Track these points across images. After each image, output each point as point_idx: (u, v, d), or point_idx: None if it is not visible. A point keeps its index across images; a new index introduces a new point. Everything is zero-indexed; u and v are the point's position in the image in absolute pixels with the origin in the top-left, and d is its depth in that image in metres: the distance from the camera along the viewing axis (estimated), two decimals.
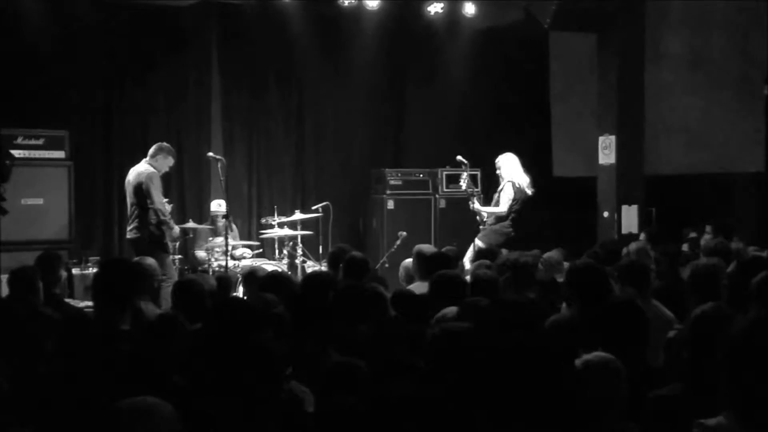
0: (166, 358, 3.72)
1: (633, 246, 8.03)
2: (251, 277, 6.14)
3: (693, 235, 10.39)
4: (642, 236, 9.93)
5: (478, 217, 9.72)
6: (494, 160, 9.90)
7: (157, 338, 4.02)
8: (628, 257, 7.34)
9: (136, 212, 8.59)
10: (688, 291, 5.09)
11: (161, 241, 8.54)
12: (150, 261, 6.01)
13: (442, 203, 11.58)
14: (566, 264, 6.70)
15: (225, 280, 6.44)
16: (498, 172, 9.75)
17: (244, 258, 10.18)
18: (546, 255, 7.14)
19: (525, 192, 9.62)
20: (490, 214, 9.61)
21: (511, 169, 9.63)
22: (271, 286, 5.23)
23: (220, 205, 10.19)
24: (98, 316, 4.67)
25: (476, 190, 10.36)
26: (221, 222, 10.07)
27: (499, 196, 9.63)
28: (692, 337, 3.44)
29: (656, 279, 6.67)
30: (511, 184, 9.50)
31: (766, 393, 2.29)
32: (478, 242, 9.31)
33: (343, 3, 11.23)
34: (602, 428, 2.99)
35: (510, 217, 9.49)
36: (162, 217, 8.49)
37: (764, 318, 2.38)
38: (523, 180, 9.64)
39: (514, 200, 9.50)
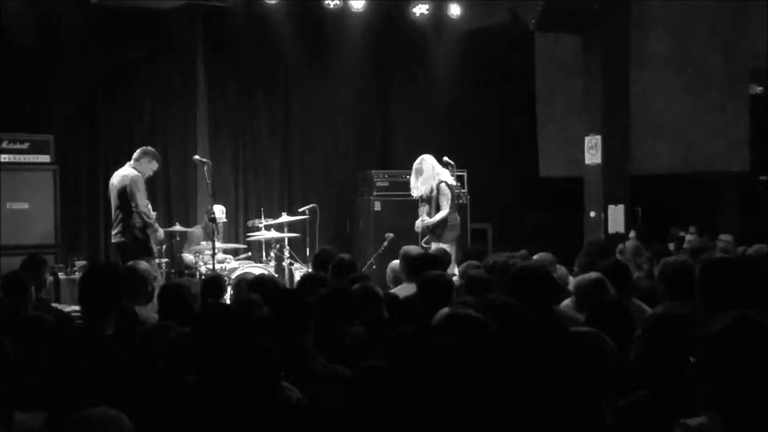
0: (150, 363, 3.71)
1: (629, 244, 8.04)
2: (241, 284, 6.11)
3: (680, 234, 10.44)
4: (632, 234, 9.98)
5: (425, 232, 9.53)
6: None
7: (143, 344, 4.01)
8: (623, 255, 7.36)
9: (120, 216, 8.55)
10: (659, 289, 5.09)
11: (146, 245, 8.50)
12: (144, 265, 5.98)
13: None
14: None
15: (216, 280, 6.42)
16: (420, 176, 9.47)
17: (227, 262, 10.12)
18: (537, 256, 7.12)
19: (453, 185, 9.52)
20: (440, 221, 9.46)
21: (434, 170, 9.46)
22: (256, 290, 5.21)
23: (222, 212, 10.11)
24: (85, 321, 4.66)
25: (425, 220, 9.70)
26: (209, 225, 10.01)
27: (438, 201, 9.40)
28: (647, 340, 3.46)
29: (647, 278, 6.70)
30: (444, 185, 9.40)
31: (749, 393, 2.30)
32: (439, 245, 9.13)
33: (329, 4, 11.23)
34: (589, 402, 2.99)
35: (453, 210, 9.43)
36: (146, 221, 8.46)
37: (745, 317, 2.39)
38: (448, 175, 9.53)
39: (452, 197, 9.42)
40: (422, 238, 9.56)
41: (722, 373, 2.34)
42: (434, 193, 9.42)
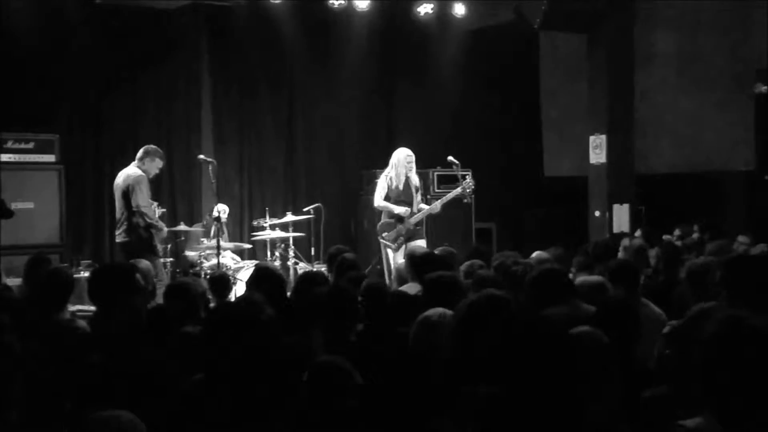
0: (159, 361, 3.71)
1: (636, 242, 7.99)
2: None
3: (678, 233, 10.41)
4: (638, 234, 9.96)
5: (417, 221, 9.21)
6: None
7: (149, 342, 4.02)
8: (626, 252, 7.33)
9: (124, 215, 8.56)
10: (686, 290, 5.09)
11: (150, 244, 8.51)
12: (145, 264, 5.99)
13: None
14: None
15: (222, 279, 6.41)
16: (413, 169, 9.21)
17: (233, 260, 10.14)
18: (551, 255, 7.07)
19: None
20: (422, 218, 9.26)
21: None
22: (259, 282, 5.18)
23: (224, 212, 10.07)
24: (99, 321, 4.66)
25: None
26: (213, 224, 10.02)
27: (414, 196, 9.21)
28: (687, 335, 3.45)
29: (654, 276, 6.70)
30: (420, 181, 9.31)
31: (742, 392, 2.31)
32: (420, 243, 8.90)
33: (333, 4, 11.24)
34: (599, 404, 2.98)
35: None
36: (148, 221, 8.46)
37: (735, 317, 2.39)
38: None
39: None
40: (405, 236, 9.13)
41: (715, 373, 2.34)
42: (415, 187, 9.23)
